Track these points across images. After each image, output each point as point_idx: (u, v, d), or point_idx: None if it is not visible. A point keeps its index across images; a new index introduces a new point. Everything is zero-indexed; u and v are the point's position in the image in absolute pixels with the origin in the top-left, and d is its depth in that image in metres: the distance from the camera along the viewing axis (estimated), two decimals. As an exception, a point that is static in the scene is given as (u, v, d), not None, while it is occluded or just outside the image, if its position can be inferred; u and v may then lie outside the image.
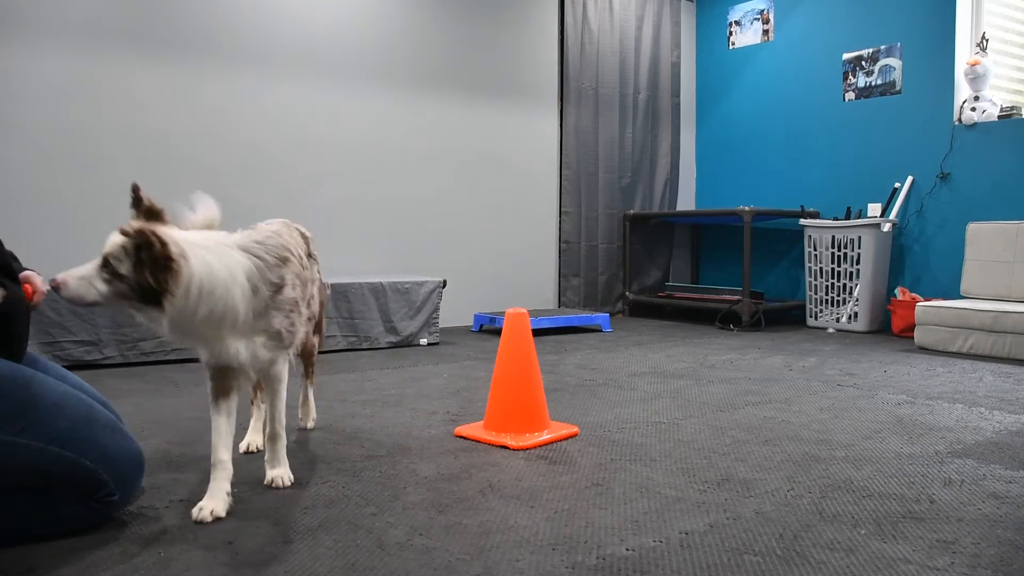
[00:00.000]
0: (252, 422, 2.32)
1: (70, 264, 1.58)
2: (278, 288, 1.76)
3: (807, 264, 5.56)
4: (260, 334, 1.75)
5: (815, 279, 5.51)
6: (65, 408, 1.58)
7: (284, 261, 1.79)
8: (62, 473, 1.54)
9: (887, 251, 5.34)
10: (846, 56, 5.69)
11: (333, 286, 4.23)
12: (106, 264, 1.55)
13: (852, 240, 5.26)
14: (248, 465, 2.10)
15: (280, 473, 1.95)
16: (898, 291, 5.19)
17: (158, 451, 2.23)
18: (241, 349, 1.72)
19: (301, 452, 2.25)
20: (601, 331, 5.27)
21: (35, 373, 1.62)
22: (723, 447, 2.32)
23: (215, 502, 1.71)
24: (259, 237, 1.79)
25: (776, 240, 6.17)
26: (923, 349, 4.42)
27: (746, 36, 6.40)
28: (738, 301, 5.44)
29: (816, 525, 1.68)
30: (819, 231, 5.46)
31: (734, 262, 6.30)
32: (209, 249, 1.64)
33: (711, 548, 1.55)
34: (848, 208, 5.55)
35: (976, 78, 4.94)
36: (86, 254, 1.60)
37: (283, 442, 1.97)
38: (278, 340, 1.80)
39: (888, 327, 5.26)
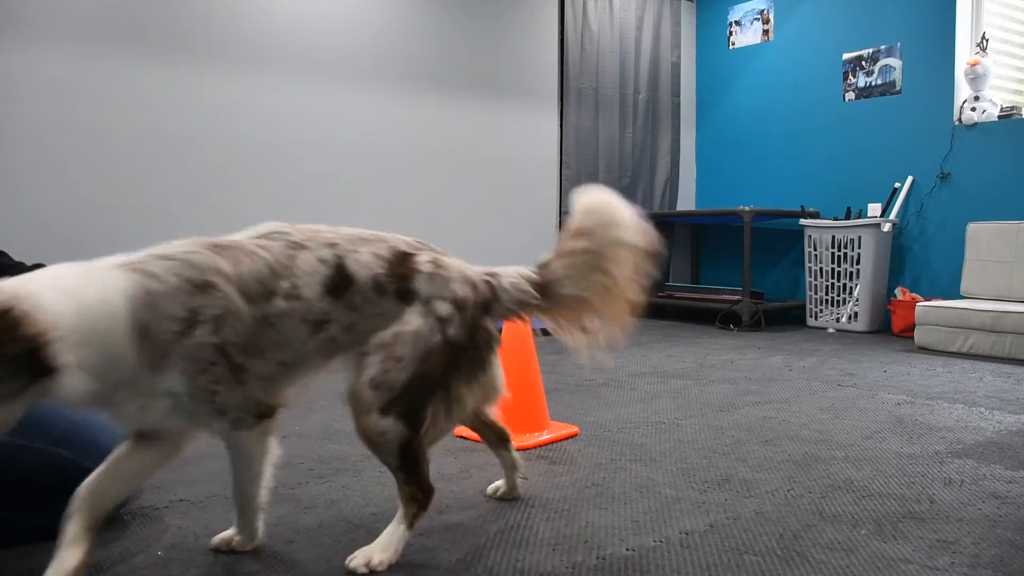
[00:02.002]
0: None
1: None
2: (185, 326, 1.22)
3: (807, 264, 5.56)
4: (161, 397, 1.24)
5: (815, 279, 5.51)
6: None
7: (203, 288, 1.24)
8: (62, 474, 1.54)
9: (887, 251, 5.34)
10: (846, 56, 5.69)
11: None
12: None
13: (852, 240, 5.26)
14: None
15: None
16: (898, 291, 5.19)
17: (158, 451, 2.22)
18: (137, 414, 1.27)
19: (300, 452, 2.25)
20: (601, 331, 5.27)
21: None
22: (723, 447, 2.32)
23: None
24: (171, 250, 1.27)
25: (776, 240, 6.17)
26: (923, 349, 4.42)
27: (746, 36, 6.40)
28: (738, 301, 5.44)
29: (816, 525, 1.68)
30: (819, 231, 5.46)
31: (734, 262, 6.29)
32: (67, 278, 1.17)
33: (711, 548, 1.55)
34: (848, 208, 5.55)
35: (976, 78, 4.94)
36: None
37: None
38: (196, 404, 1.27)
39: (888, 327, 5.26)
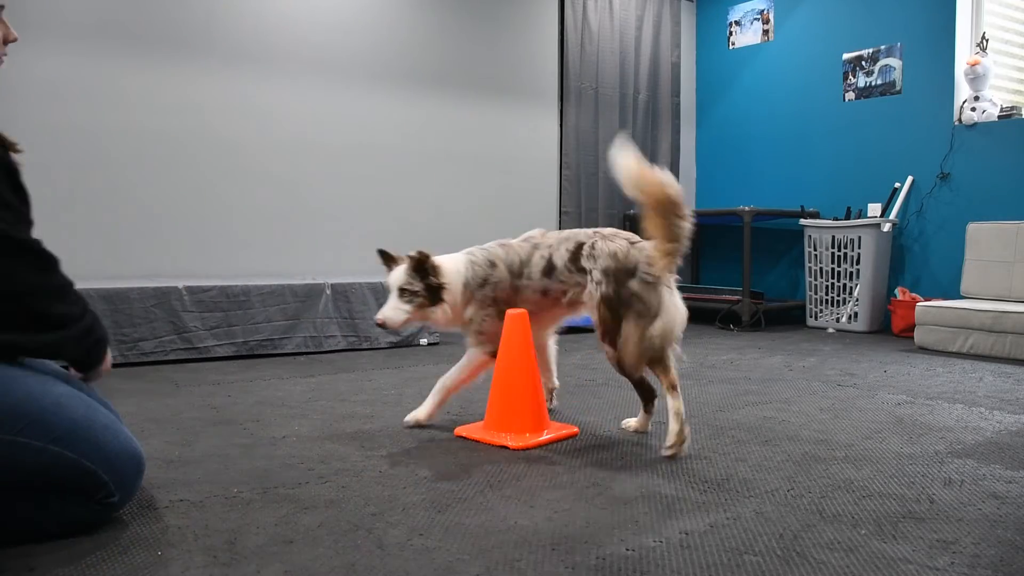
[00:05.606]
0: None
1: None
2: (481, 284, 2.42)
3: (807, 264, 5.56)
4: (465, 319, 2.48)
5: (815, 279, 5.51)
6: (65, 408, 1.58)
7: (492, 265, 2.43)
8: (62, 473, 1.54)
9: (887, 251, 5.34)
10: (846, 56, 5.69)
11: (333, 286, 4.23)
12: (402, 291, 2.41)
13: (852, 240, 5.26)
14: (245, 461, 2.10)
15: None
16: (898, 291, 5.19)
17: (158, 451, 2.23)
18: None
19: (300, 452, 2.26)
20: (601, 331, 5.26)
21: (35, 372, 1.62)
22: (723, 447, 2.32)
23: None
24: (484, 246, 2.51)
25: (776, 240, 6.17)
26: (923, 349, 4.42)
27: (746, 36, 6.40)
28: (738, 301, 5.44)
29: (816, 525, 1.68)
30: (819, 231, 5.46)
31: (734, 262, 6.29)
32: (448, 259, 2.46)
33: (711, 548, 1.55)
34: (848, 208, 5.55)
35: (976, 78, 4.94)
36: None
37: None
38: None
39: (888, 327, 5.26)
